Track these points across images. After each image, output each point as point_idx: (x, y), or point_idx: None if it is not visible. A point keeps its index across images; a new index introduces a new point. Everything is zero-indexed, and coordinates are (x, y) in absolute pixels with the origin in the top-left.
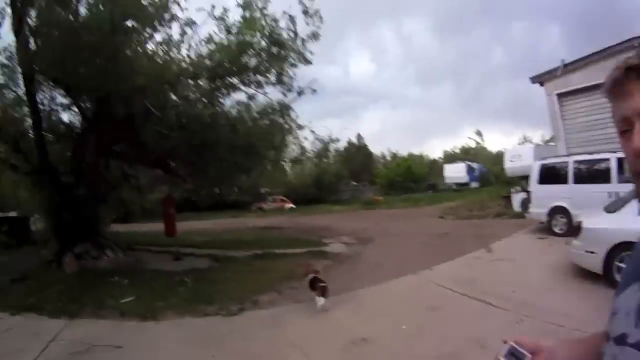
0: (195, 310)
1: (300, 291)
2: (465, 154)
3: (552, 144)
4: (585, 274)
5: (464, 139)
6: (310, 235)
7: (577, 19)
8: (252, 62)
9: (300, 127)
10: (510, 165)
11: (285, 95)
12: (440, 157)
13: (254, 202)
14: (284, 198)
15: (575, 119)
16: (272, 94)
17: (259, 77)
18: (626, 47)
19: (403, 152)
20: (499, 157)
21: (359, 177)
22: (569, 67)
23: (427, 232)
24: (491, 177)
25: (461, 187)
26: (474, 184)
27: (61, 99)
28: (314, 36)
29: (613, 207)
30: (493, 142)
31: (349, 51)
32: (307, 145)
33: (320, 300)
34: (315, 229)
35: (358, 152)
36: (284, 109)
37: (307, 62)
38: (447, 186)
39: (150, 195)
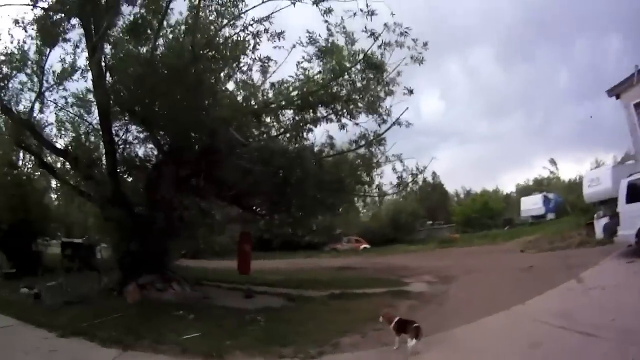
0: (268, 351)
1: (387, 333)
2: (538, 186)
3: (630, 162)
4: None
5: (537, 170)
6: (388, 275)
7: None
8: (345, 89)
9: (388, 160)
10: (589, 191)
11: (379, 125)
12: (513, 192)
13: (328, 243)
14: (359, 238)
15: None
16: (364, 124)
17: (352, 106)
18: None
19: (476, 188)
20: (573, 185)
21: (435, 216)
22: None
23: (510, 267)
24: (567, 206)
25: (537, 219)
26: (550, 215)
27: (136, 132)
28: (417, 60)
29: None
30: (566, 171)
31: (419, 89)
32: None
33: (412, 342)
34: (392, 268)
35: (433, 191)
36: (378, 140)
37: (409, 91)
38: (523, 220)
39: (222, 234)
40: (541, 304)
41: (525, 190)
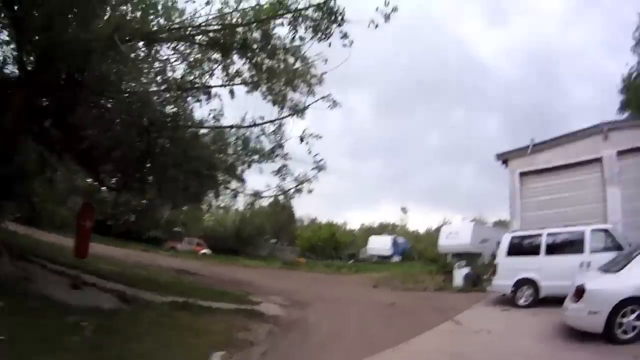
0: None
1: None
2: (383, 228)
3: (488, 224)
4: (574, 335)
5: (383, 214)
6: (234, 289)
7: (513, 113)
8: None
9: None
10: (446, 242)
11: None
12: (357, 229)
13: (167, 240)
14: (201, 242)
15: (532, 198)
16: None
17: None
18: (594, 132)
19: (321, 218)
20: (421, 234)
21: (280, 236)
22: (537, 147)
23: (370, 301)
24: (414, 253)
25: (383, 259)
26: (396, 258)
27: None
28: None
29: (615, 267)
30: (413, 220)
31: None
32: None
33: None
34: (237, 282)
35: (282, 211)
36: (277, 126)
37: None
38: (367, 257)
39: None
40: (429, 344)
41: (370, 230)
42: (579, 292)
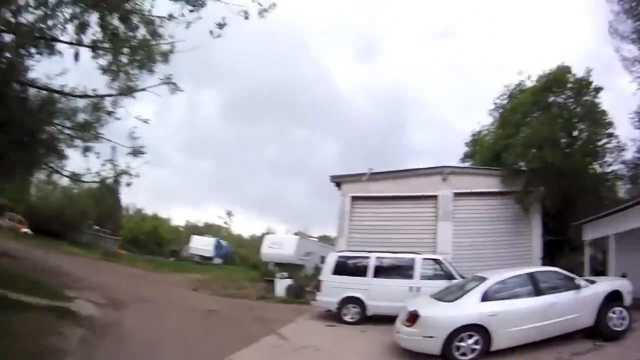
0: None
1: None
2: (207, 228)
3: (312, 238)
4: (406, 354)
5: (209, 215)
6: (50, 278)
7: (354, 143)
8: None
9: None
10: (270, 251)
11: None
12: (182, 227)
13: None
14: (22, 219)
15: (362, 221)
16: None
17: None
18: (436, 172)
19: (148, 210)
20: (245, 240)
21: (103, 223)
22: (374, 176)
23: (190, 306)
24: (236, 257)
25: (204, 260)
26: (218, 260)
27: None
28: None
29: (451, 296)
30: (238, 225)
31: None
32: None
33: None
34: (55, 271)
35: (109, 196)
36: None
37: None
38: (190, 256)
39: None
40: (257, 358)
41: (194, 229)
42: (413, 317)
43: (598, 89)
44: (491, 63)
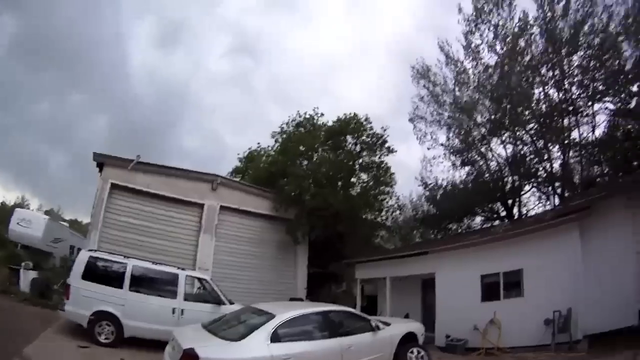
0: None
1: None
2: None
3: (64, 224)
4: None
5: None
6: None
7: (127, 127)
8: None
9: None
10: (18, 229)
11: None
12: None
13: None
14: None
15: (120, 216)
16: None
17: None
18: (207, 179)
19: None
20: None
21: None
22: (141, 167)
23: None
24: None
25: None
26: None
27: None
28: None
29: (233, 334)
30: None
31: None
32: None
33: None
34: None
35: None
36: None
37: None
38: None
39: None
40: None
41: None
42: (191, 358)
43: (390, 149)
44: (282, 88)
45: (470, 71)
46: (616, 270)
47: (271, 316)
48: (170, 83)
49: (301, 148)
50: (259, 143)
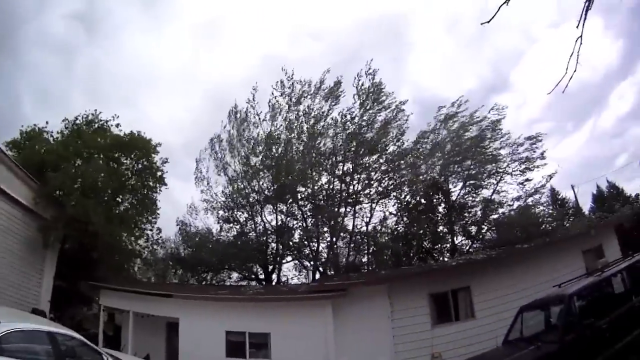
0: None
1: None
2: None
3: None
4: None
5: None
6: None
7: None
8: None
9: None
10: None
11: None
12: None
13: None
14: None
15: None
16: None
17: None
18: None
19: None
20: None
21: None
22: None
23: None
24: None
25: None
26: None
27: None
28: None
29: None
30: None
31: None
32: None
33: None
34: None
35: None
36: None
37: None
38: None
39: None
40: None
41: None
42: None
43: (162, 180)
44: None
45: (260, 138)
46: (370, 341)
47: None
48: None
49: (85, 149)
50: (47, 122)
